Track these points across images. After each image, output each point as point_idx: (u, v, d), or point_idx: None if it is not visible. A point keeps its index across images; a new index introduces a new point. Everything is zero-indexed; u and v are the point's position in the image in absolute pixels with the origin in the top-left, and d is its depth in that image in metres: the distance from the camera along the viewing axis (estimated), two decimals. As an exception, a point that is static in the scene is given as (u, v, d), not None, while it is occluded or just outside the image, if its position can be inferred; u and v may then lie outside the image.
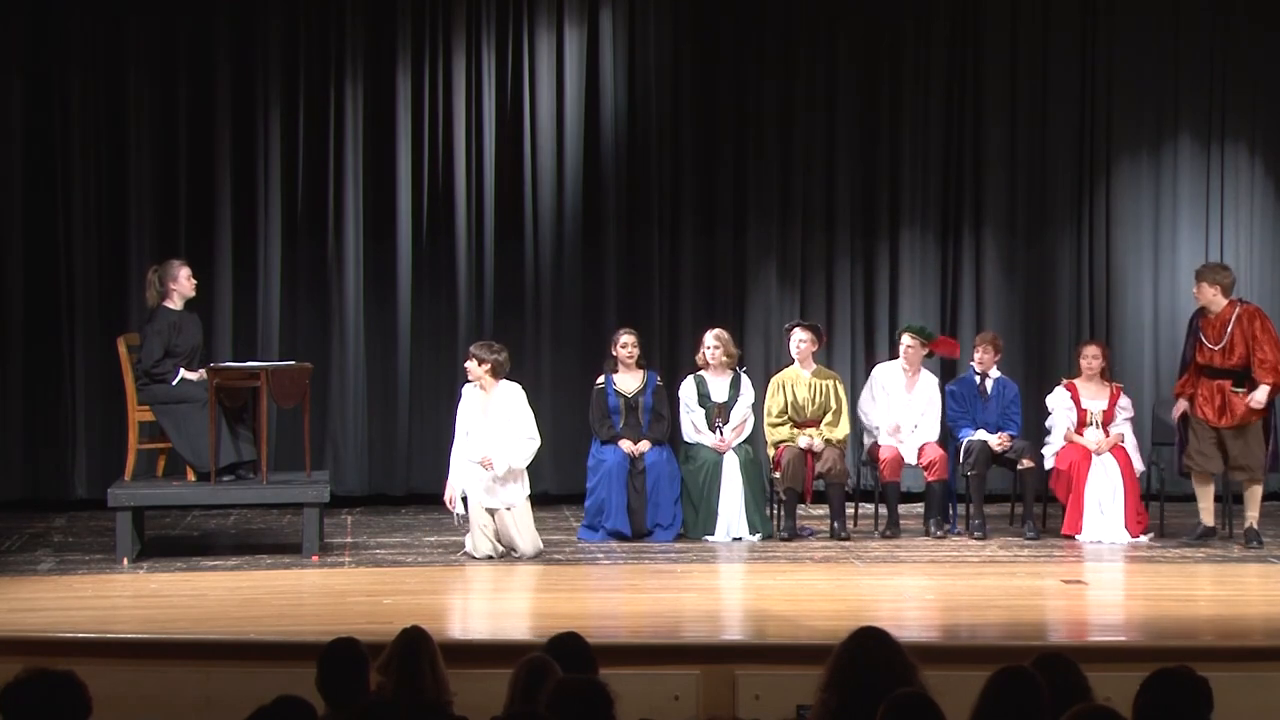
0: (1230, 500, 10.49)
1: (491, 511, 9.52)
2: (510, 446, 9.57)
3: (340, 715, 4.77)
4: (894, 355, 10.76)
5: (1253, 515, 10.10)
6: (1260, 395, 9.82)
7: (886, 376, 10.58)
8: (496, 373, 9.66)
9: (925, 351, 10.60)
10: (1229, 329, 9.88)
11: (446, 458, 9.84)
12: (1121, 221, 12.10)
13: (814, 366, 10.53)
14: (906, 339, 10.55)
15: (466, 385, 9.80)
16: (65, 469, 11.34)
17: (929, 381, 10.61)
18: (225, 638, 7.23)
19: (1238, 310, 9.95)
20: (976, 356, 10.55)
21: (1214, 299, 9.96)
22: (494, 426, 9.61)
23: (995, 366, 10.59)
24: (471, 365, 9.68)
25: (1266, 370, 9.82)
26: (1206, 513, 10.12)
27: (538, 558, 9.50)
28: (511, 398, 9.72)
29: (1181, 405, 10.08)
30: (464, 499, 9.59)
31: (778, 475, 10.28)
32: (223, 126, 11.44)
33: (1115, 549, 9.91)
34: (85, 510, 11.01)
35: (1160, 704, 4.21)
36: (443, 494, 9.73)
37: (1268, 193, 12.17)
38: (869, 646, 4.54)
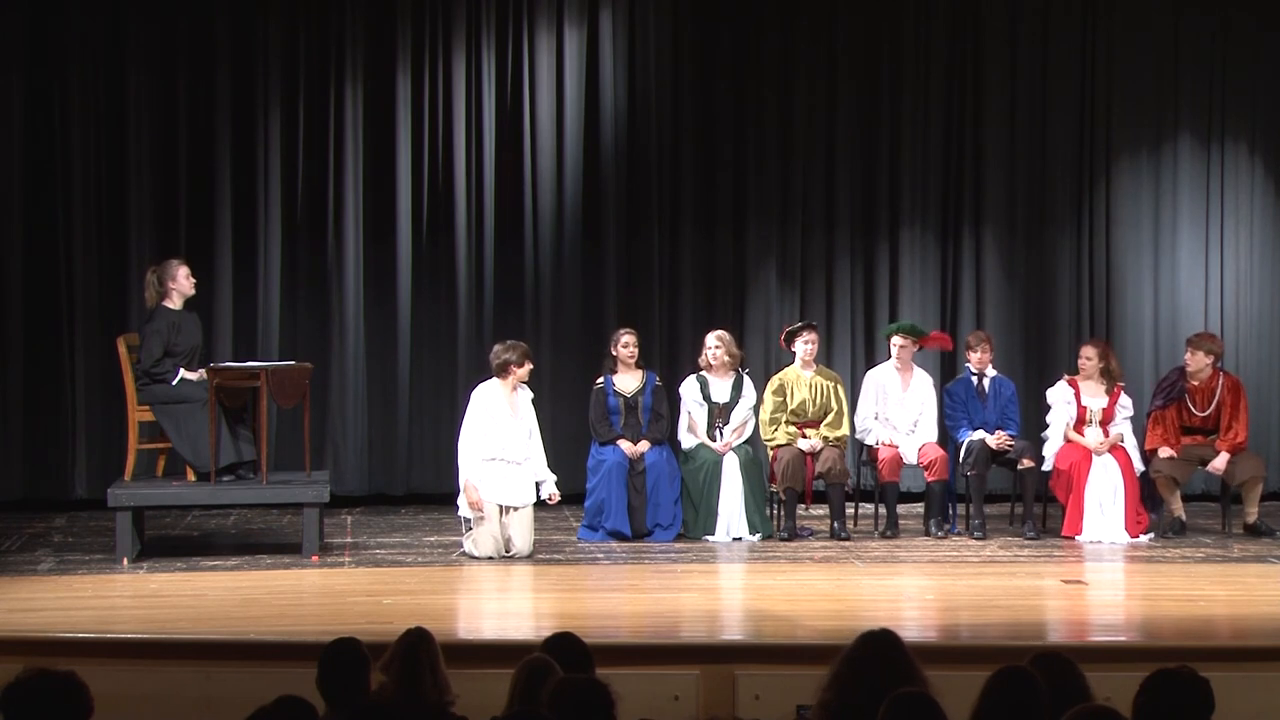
0: (1229, 501, 10.53)
1: (499, 508, 9.55)
2: (540, 456, 9.75)
3: (340, 715, 4.77)
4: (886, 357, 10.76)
5: (1252, 511, 10.28)
6: (1220, 463, 10.33)
7: (881, 379, 10.56)
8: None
9: (918, 348, 10.60)
10: (1216, 397, 10.39)
11: (453, 456, 9.81)
12: (1121, 221, 12.10)
13: (815, 367, 10.54)
14: (898, 340, 10.53)
15: (486, 383, 9.78)
16: (65, 469, 11.34)
17: (924, 380, 10.61)
18: (225, 638, 7.22)
19: (1222, 379, 10.44)
20: (975, 357, 10.53)
21: (1205, 366, 10.41)
22: (523, 426, 9.70)
23: (990, 365, 10.60)
24: (520, 368, 9.68)
25: (1227, 443, 10.35)
26: (1177, 509, 10.32)
27: (530, 557, 9.52)
28: (526, 399, 9.80)
29: (1167, 452, 10.35)
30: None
31: (774, 487, 10.29)
32: (223, 126, 11.44)
33: (1115, 549, 9.91)
34: (85, 510, 11.01)
35: (1160, 704, 4.20)
36: (456, 494, 9.69)
37: (1268, 193, 12.17)
38: (877, 650, 4.54)
